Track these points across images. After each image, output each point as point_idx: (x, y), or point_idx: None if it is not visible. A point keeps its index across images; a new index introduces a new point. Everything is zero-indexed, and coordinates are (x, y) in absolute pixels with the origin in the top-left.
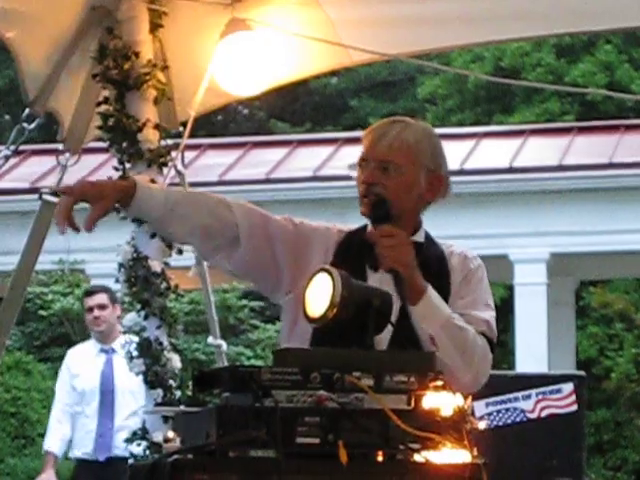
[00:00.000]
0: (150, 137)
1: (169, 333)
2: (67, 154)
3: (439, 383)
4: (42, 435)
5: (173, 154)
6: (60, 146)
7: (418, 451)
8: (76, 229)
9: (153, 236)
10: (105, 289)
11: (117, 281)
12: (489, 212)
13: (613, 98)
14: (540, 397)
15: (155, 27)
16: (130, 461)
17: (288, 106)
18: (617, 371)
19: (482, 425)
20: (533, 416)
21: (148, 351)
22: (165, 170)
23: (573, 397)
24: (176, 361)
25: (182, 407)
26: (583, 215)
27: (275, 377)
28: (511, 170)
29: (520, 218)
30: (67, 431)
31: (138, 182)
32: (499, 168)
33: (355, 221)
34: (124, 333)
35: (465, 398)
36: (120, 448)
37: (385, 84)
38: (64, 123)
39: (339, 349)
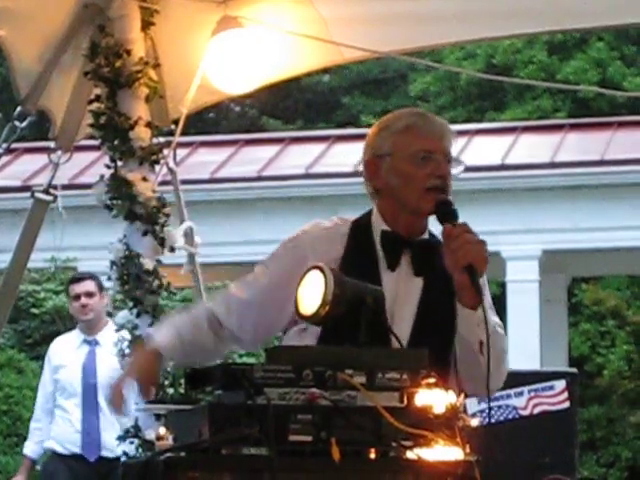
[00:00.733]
0: (142, 135)
1: None
2: (59, 152)
3: (431, 380)
4: None
5: (165, 152)
6: (52, 144)
7: (411, 448)
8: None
9: (145, 234)
10: (92, 276)
11: (109, 279)
12: (481, 209)
13: (605, 95)
14: (532, 394)
15: (147, 25)
16: (123, 459)
17: (280, 103)
18: (609, 368)
19: (474, 422)
20: (525, 413)
21: None
22: (157, 168)
23: (565, 394)
24: None
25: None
26: (575, 212)
27: (267, 375)
28: (503, 167)
29: (512, 215)
30: (46, 432)
31: (159, 347)
32: (491, 165)
33: None
34: (116, 331)
35: (457, 395)
36: (108, 448)
37: (377, 81)
38: (56, 121)
39: (332, 347)
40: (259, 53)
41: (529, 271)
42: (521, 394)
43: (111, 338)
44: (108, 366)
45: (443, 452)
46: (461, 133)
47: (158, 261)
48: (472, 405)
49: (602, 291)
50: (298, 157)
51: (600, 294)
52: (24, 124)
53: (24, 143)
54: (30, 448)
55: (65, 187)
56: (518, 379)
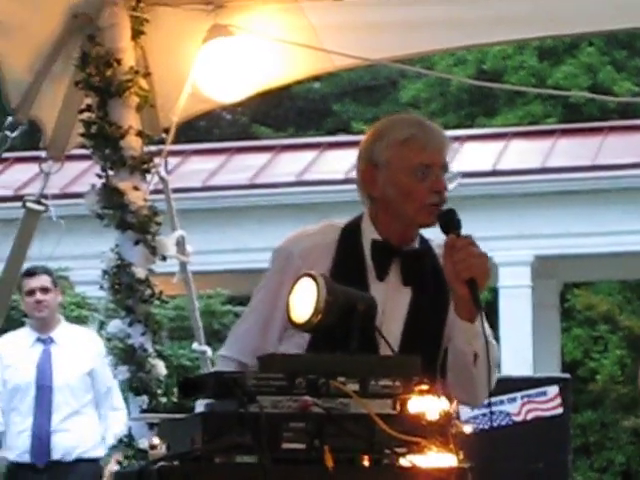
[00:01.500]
0: (133, 144)
1: (154, 339)
2: (50, 161)
3: (424, 387)
4: None
5: (156, 160)
6: (43, 153)
7: (404, 455)
8: None
9: (137, 243)
10: (47, 270)
11: (101, 288)
12: (473, 215)
13: (596, 100)
14: (525, 400)
15: (137, 34)
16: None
17: (271, 111)
18: (602, 373)
19: (468, 429)
20: (519, 419)
21: (133, 358)
22: (148, 177)
23: (559, 400)
24: (161, 367)
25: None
26: (567, 217)
27: (260, 383)
28: (494, 173)
29: (504, 221)
30: None
31: None
32: (482, 171)
33: None
34: (108, 340)
35: (450, 402)
36: (59, 451)
37: (368, 88)
38: (47, 130)
39: (324, 354)
40: (250, 61)
41: (521, 276)
42: (514, 400)
43: (67, 336)
44: (65, 365)
45: (436, 459)
46: (452, 139)
47: (150, 270)
48: (465, 411)
49: (594, 296)
50: (290, 164)
51: (592, 299)
52: (15, 134)
53: (15, 153)
54: None
55: (56, 196)
56: (511, 385)
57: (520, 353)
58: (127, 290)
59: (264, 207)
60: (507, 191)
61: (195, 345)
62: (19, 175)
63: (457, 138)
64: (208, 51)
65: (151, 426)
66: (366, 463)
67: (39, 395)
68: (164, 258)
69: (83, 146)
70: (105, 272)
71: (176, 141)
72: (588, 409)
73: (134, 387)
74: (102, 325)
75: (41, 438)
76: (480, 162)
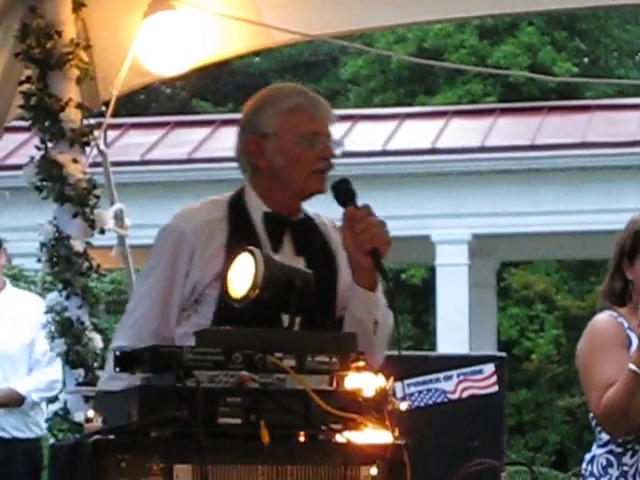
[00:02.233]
0: (72, 116)
1: (91, 313)
2: None
3: (361, 364)
4: None
5: (95, 133)
6: None
7: (340, 431)
8: None
9: (75, 216)
10: None
11: (39, 260)
12: (411, 193)
13: (535, 80)
14: (461, 378)
15: (78, 6)
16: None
17: (211, 85)
18: (538, 352)
19: (403, 406)
20: (454, 397)
21: (69, 331)
22: (87, 149)
23: (494, 378)
24: (98, 341)
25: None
26: (505, 196)
27: (197, 357)
28: (433, 151)
29: (442, 199)
30: None
31: None
32: (421, 149)
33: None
34: (46, 313)
35: (387, 378)
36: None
37: (308, 64)
38: None
39: (261, 329)
40: (190, 35)
41: (459, 255)
42: (450, 378)
43: (11, 301)
44: (6, 333)
45: (372, 435)
46: (391, 117)
47: (88, 243)
48: (401, 389)
49: (531, 275)
50: (229, 139)
51: (529, 278)
52: None
53: None
54: None
55: None
56: (447, 363)
57: (456, 331)
58: (65, 263)
59: (202, 182)
60: (446, 169)
61: None
62: None
63: (397, 116)
64: (149, 24)
65: (87, 399)
66: (302, 439)
67: None
68: (102, 231)
69: (22, 118)
70: (43, 245)
71: (115, 114)
72: (523, 388)
73: (70, 360)
74: (40, 297)
75: None
76: (419, 140)
